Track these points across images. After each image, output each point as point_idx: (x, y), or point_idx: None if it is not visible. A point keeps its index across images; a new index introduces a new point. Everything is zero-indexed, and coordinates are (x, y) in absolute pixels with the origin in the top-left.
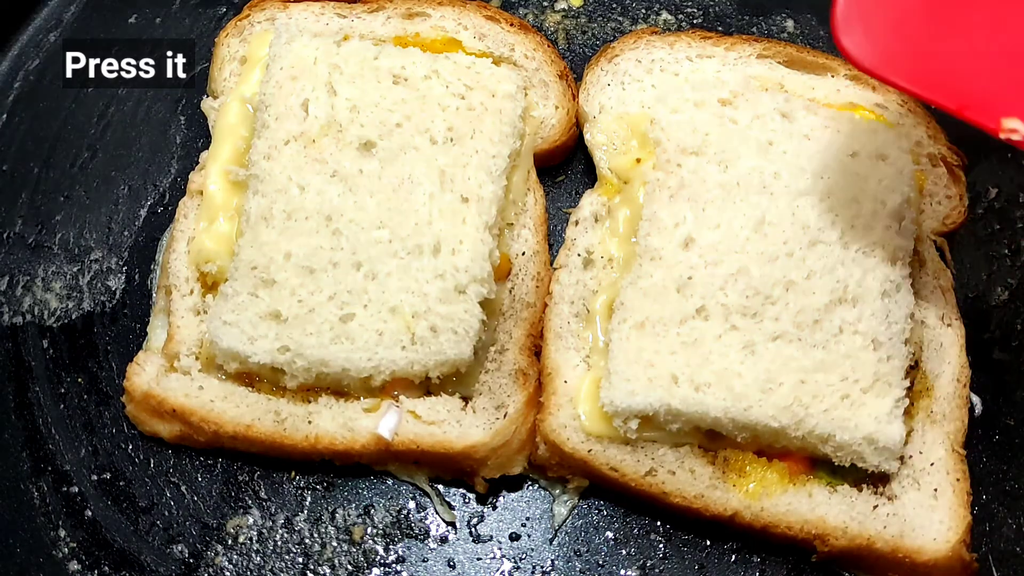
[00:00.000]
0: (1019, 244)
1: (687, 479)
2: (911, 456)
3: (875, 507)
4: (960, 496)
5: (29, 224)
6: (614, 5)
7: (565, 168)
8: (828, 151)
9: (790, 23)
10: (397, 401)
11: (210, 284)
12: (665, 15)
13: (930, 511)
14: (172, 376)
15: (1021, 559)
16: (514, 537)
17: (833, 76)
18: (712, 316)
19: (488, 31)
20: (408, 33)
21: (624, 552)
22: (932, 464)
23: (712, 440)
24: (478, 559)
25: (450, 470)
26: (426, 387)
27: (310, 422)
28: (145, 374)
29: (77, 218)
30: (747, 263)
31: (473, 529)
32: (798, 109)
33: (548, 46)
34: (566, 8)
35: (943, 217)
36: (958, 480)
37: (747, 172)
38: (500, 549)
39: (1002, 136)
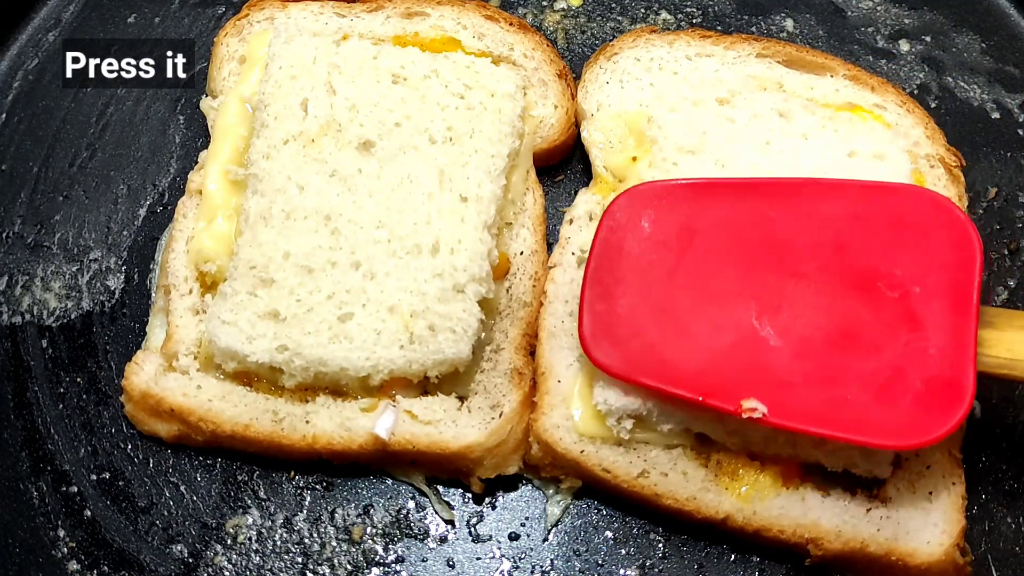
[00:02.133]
0: (1019, 244)
1: (679, 481)
2: (907, 459)
3: (868, 510)
4: (955, 500)
5: (28, 224)
6: (613, 5)
7: (564, 167)
8: (826, 151)
9: (789, 23)
10: (394, 401)
11: (209, 284)
12: (664, 14)
13: (925, 514)
14: (170, 376)
15: (1020, 559)
16: (513, 537)
17: (832, 76)
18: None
19: (487, 30)
20: (407, 32)
21: (623, 551)
22: (928, 467)
23: (705, 443)
24: (477, 559)
25: (446, 470)
26: (423, 387)
27: (307, 422)
28: (144, 373)
29: (76, 218)
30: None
31: (472, 529)
32: (796, 109)
33: (547, 45)
34: (565, 7)
35: None
36: (954, 484)
37: (744, 171)
38: (499, 549)
39: (744, 416)
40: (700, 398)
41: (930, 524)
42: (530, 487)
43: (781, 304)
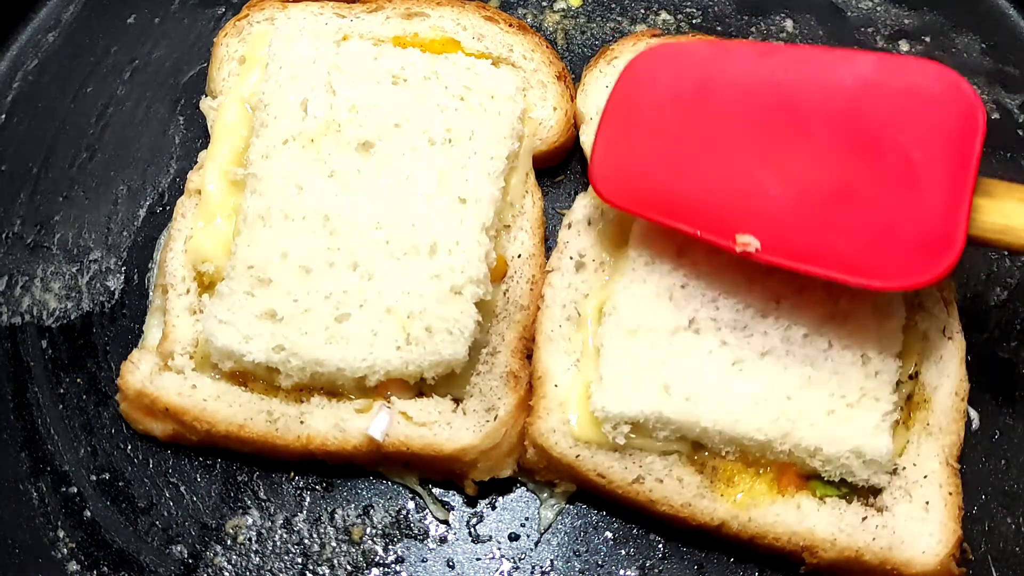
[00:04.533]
0: None
1: (675, 487)
2: (904, 468)
3: (864, 519)
4: (952, 510)
5: (28, 224)
6: (613, 5)
7: (563, 169)
8: None
9: (789, 23)
10: (389, 402)
11: (207, 283)
12: (664, 15)
13: (921, 524)
14: (165, 375)
15: (1020, 559)
16: (513, 537)
17: None
18: (703, 330)
19: (487, 31)
20: (407, 33)
21: (623, 552)
22: (925, 477)
23: (699, 449)
24: (477, 559)
25: (440, 472)
26: (419, 388)
27: (302, 422)
28: (139, 372)
29: (76, 218)
30: (739, 276)
31: (472, 529)
32: None
33: (547, 47)
34: (565, 8)
35: None
36: (951, 494)
37: None
38: (499, 549)
39: (737, 249)
40: (698, 232)
41: (926, 534)
42: (530, 488)
43: (784, 158)
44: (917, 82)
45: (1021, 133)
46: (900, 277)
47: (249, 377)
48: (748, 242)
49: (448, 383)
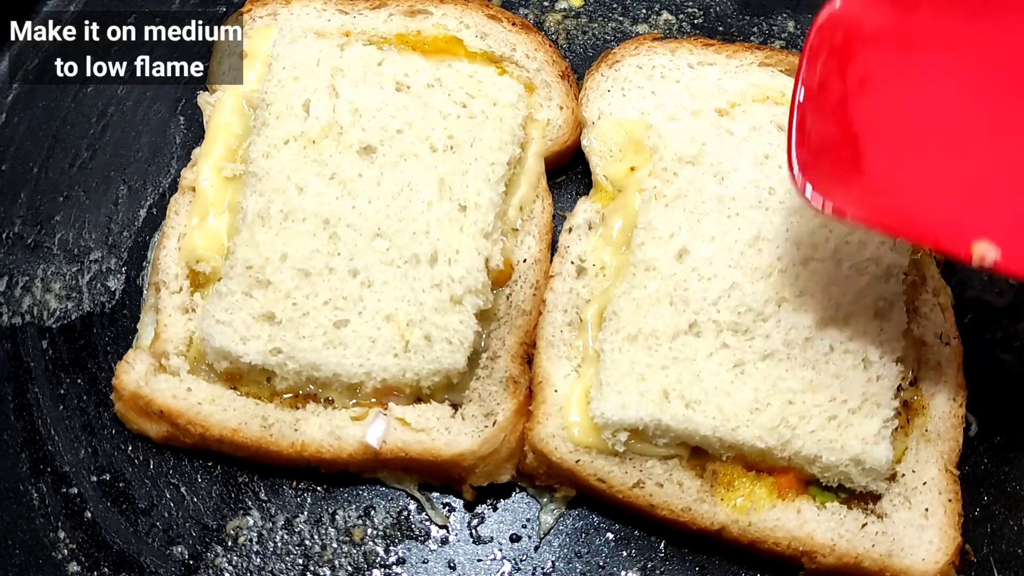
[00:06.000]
0: None
1: (675, 492)
2: (903, 475)
3: (864, 525)
4: (951, 517)
5: (28, 224)
6: (615, 5)
7: (566, 170)
8: None
9: (791, 23)
10: (385, 408)
11: (200, 282)
12: (666, 15)
13: (920, 531)
14: (161, 377)
15: (1023, 560)
16: (515, 539)
17: None
18: (704, 332)
19: (490, 30)
20: (410, 31)
21: (625, 553)
22: (924, 483)
23: (699, 454)
24: (478, 560)
25: (438, 477)
26: (416, 395)
27: (296, 429)
28: (134, 373)
29: (76, 218)
30: (740, 279)
31: (473, 530)
32: None
33: (549, 46)
34: (567, 8)
35: None
36: (950, 501)
37: (743, 186)
38: (500, 550)
39: (974, 264)
40: (932, 242)
41: (925, 541)
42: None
43: (1014, 132)
44: None
45: None
46: None
47: (243, 379)
48: (985, 254)
49: (446, 388)
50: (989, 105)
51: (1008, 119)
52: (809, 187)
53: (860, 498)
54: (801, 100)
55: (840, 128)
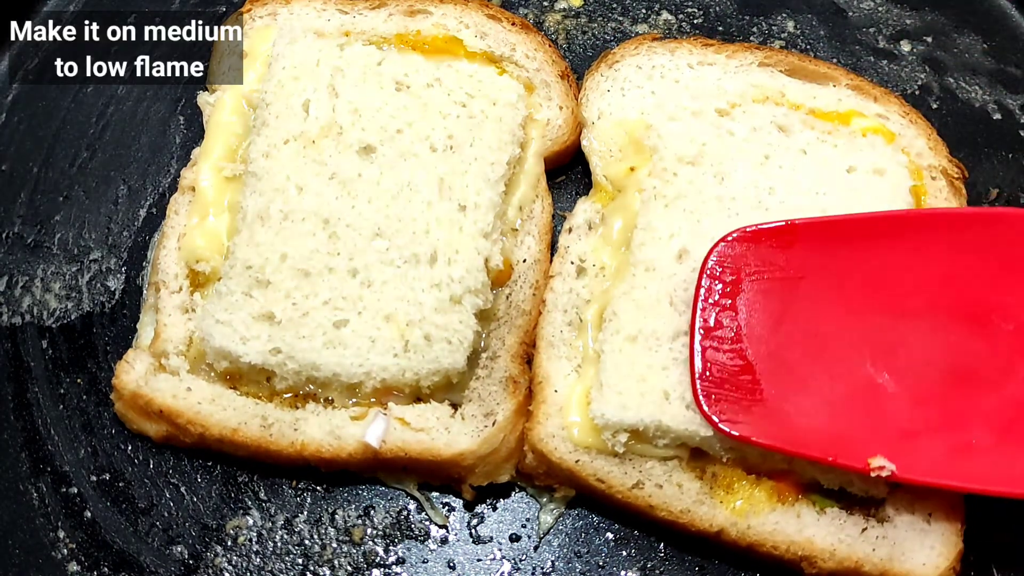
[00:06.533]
0: None
1: (674, 493)
2: None
3: (864, 529)
4: (954, 523)
5: (28, 224)
6: (614, 5)
7: (566, 170)
8: (825, 166)
9: (790, 23)
10: (385, 408)
11: (200, 282)
12: (666, 15)
13: (922, 535)
14: (160, 376)
15: (1023, 561)
16: (514, 538)
17: (835, 85)
18: None
19: (489, 30)
20: (410, 30)
21: (624, 553)
22: (928, 488)
23: (699, 456)
24: (478, 560)
25: (438, 477)
26: (416, 394)
27: (296, 429)
28: (134, 372)
29: (76, 218)
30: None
31: (473, 530)
32: (795, 123)
33: (549, 46)
34: (566, 8)
35: None
36: (953, 507)
37: (743, 186)
38: (500, 550)
39: (872, 475)
40: (830, 458)
41: (927, 546)
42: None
43: (894, 346)
44: (1011, 235)
45: (1023, 134)
46: None
47: (243, 379)
48: (883, 465)
49: (446, 388)
50: (866, 327)
51: (884, 339)
52: (715, 418)
53: (861, 503)
54: (700, 338)
55: (738, 358)
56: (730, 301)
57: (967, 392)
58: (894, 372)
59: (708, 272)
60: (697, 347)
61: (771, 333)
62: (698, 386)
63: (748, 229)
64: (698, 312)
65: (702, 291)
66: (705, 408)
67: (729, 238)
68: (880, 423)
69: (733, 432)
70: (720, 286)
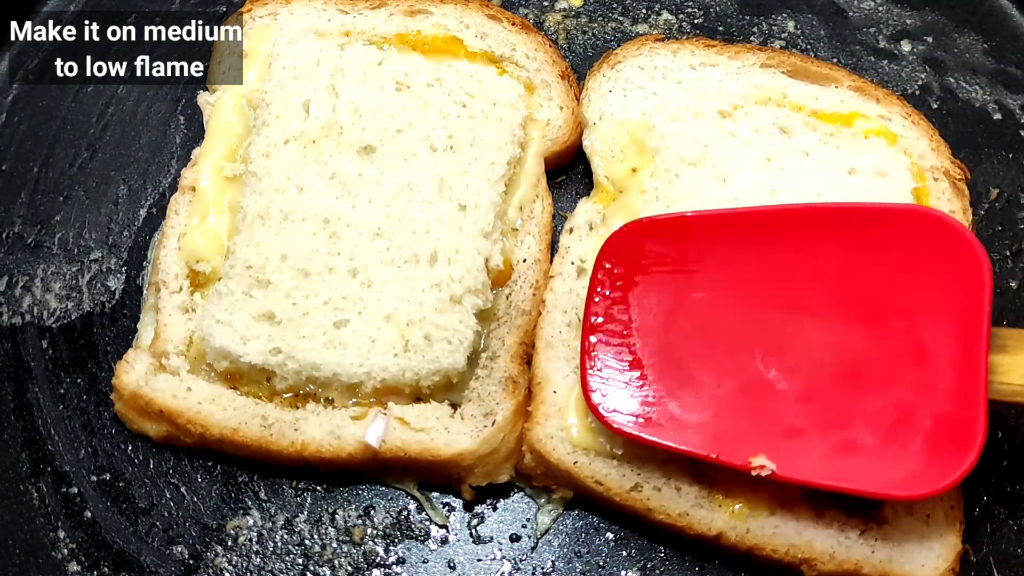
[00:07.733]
0: (1020, 246)
1: (672, 496)
2: None
3: (863, 532)
4: (953, 523)
5: (28, 224)
6: (615, 5)
7: (566, 170)
8: (827, 168)
9: (791, 23)
10: (385, 408)
11: (200, 282)
12: (666, 15)
13: (921, 537)
14: (161, 376)
15: (1022, 561)
16: (514, 538)
17: (837, 87)
18: None
19: (490, 30)
20: (410, 31)
21: (624, 553)
22: None
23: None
24: (478, 560)
25: (437, 477)
26: (416, 394)
27: (296, 429)
28: (134, 372)
29: (76, 218)
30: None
31: (473, 530)
32: (797, 124)
33: (549, 46)
34: (566, 8)
35: None
36: (952, 507)
37: (745, 188)
38: (500, 550)
39: (753, 472)
40: (713, 455)
41: (926, 548)
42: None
43: (786, 343)
44: (912, 232)
45: (1023, 134)
46: (923, 481)
47: (243, 379)
48: (763, 464)
49: (446, 388)
50: (758, 322)
51: (776, 335)
52: (604, 414)
53: (860, 505)
54: (591, 333)
55: (628, 352)
56: (621, 295)
57: (854, 391)
58: (783, 369)
59: (600, 266)
60: (586, 344)
61: (662, 328)
62: (589, 383)
63: (642, 220)
64: (589, 307)
65: (597, 286)
66: (594, 403)
67: (622, 231)
68: (766, 420)
69: (624, 429)
70: (611, 280)
